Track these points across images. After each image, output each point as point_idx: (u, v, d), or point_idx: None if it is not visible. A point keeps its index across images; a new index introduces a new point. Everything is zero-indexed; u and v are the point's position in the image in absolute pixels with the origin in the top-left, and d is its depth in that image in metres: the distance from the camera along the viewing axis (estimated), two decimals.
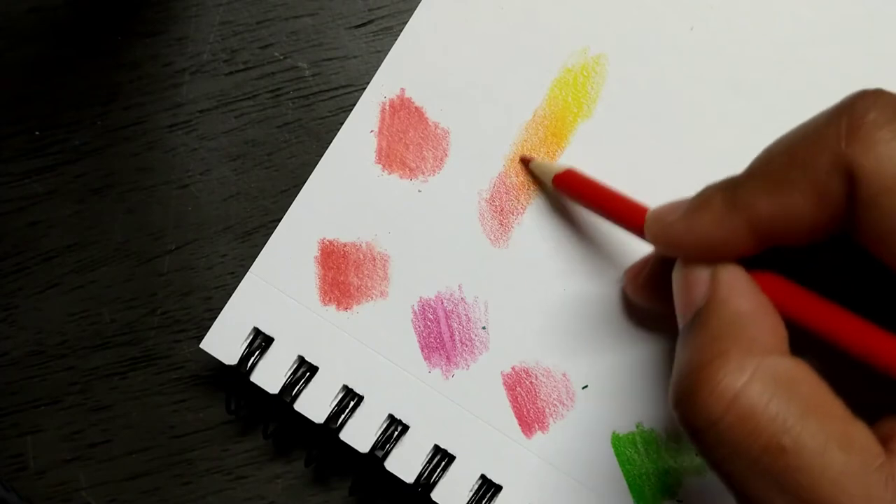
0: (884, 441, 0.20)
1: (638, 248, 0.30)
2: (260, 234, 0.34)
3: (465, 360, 0.32)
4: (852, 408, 0.21)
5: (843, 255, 0.24)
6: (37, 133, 0.35)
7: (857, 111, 0.20)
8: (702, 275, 0.23)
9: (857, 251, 0.22)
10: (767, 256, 0.23)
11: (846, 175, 0.20)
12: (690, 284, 0.23)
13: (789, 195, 0.21)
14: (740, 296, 0.22)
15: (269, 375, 0.32)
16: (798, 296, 0.23)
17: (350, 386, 0.32)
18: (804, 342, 0.22)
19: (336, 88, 0.34)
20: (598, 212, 0.29)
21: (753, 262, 0.23)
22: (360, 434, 0.32)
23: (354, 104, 0.33)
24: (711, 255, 0.23)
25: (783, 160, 0.21)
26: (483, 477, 0.31)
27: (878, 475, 0.20)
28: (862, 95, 0.21)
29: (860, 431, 0.20)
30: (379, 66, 0.33)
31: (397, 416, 0.32)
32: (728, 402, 0.20)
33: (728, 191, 0.22)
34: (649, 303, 0.29)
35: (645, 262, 0.29)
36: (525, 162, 0.31)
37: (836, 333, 0.22)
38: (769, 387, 0.20)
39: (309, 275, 0.32)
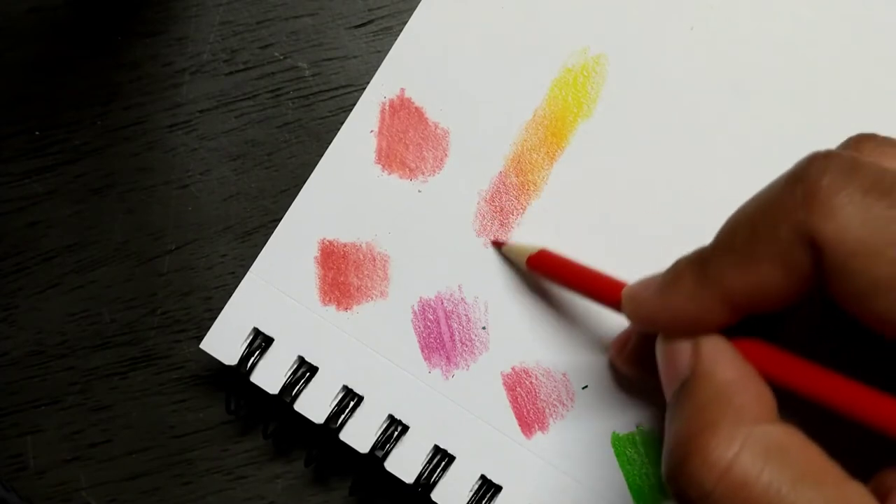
0: (882, 498, 0.20)
1: (637, 251, 0.30)
2: (260, 234, 0.34)
3: (465, 360, 0.32)
4: (846, 466, 0.21)
5: (820, 311, 0.24)
6: (37, 133, 0.35)
7: (810, 177, 0.20)
8: (684, 348, 0.23)
9: (835, 311, 0.22)
10: (749, 323, 0.23)
11: (809, 244, 0.20)
12: (673, 358, 0.23)
13: (757, 268, 0.21)
14: (724, 366, 0.22)
15: (269, 375, 0.32)
16: (781, 360, 0.23)
17: (350, 386, 0.32)
18: (792, 404, 0.22)
19: (336, 88, 0.34)
20: (574, 291, 0.29)
21: (735, 329, 0.23)
22: (360, 434, 0.32)
23: (354, 104, 0.33)
24: (689, 330, 0.23)
25: (746, 233, 0.21)
26: (483, 477, 0.31)
27: None
28: (812, 160, 0.21)
29: (856, 492, 0.20)
30: (379, 66, 0.33)
31: (397, 417, 0.32)
32: (720, 473, 0.20)
33: (698, 266, 0.23)
34: (638, 374, 0.29)
35: (628, 335, 0.29)
36: (497, 246, 0.31)
37: (823, 394, 0.22)
38: (760, 455, 0.20)
39: (309, 275, 0.32)
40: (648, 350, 0.25)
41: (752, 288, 0.21)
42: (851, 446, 0.21)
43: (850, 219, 0.20)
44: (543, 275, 0.30)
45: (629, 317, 0.25)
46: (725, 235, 0.22)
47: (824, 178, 0.20)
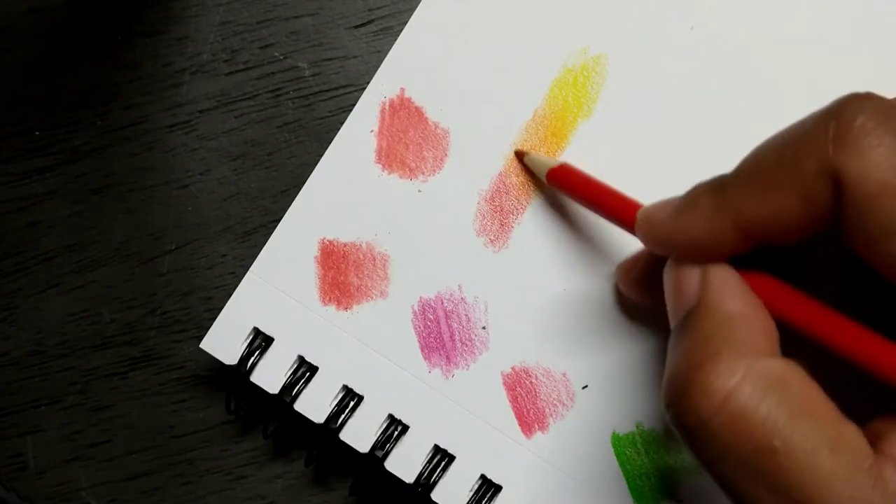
0: (873, 441, 0.21)
1: (635, 246, 0.30)
2: (260, 234, 0.34)
3: (465, 360, 0.32)
4: (843, 408, 0.21)
5: (834, 253, 0.24)
6: (37, 133, 0.35)
7: (845, 116, 0.20)
8: (692, 275, 0.23)
9: (848, 254, 0.22)
10: (758, 255, 0.23)
11: (833, 180, 0.20)
12: (681, 285, 0.23)
13: (776, 198, 0.21)
14: (731, 297, 0.22)
15: (269, 375, 0.32)
16: (789, 296, 0.23)
17: (350, 386, 0.32)
18: (795, 342, 0.22)
19: (336, 88, 0.34)
20: (590, 207, 0.29)
21: (744, 260, 0.23)
22: (360, 434, 0.32)
23: (354, 104, 0.33)
24: (701, 255, 0.23)
25: (771, 162, 0.21)
26: (483, 477, 0.31)
27: (866, 476, 0.20)
28: (851, 99, 0.21)
29: (850, 432, 0.20)
30: (379, 66, 0.33)
31: (397, 416, 0.32)
32: (719, 403, 0.20)
33: (716, 191, 0.23)
34: (641, 298, 0.29)
35: (637, 258, 0.29)
36: (519, 156, 0.31)
37: (826, 335, 0.22)
38: (760, 388, 0.20)
39: (309, 275, 0.32)
40: (654, 276, 0.25)
41: (769, 216, 0.21)
42: (849, 390, 0.21)
43: (878, 160, 0.20)
44: (562, 189, 0.30)
45: (642, 237, 0.25)
46: (749, 164, 0.22)
47: (859, 117, 0.20)
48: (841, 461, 0.20)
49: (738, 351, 0.21)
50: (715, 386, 0.20)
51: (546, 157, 0.31)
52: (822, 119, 0.21)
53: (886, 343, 0.21)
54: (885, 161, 0.20)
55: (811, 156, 0.20)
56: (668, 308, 0.24)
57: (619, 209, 0.27)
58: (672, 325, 0.23)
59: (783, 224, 0.21)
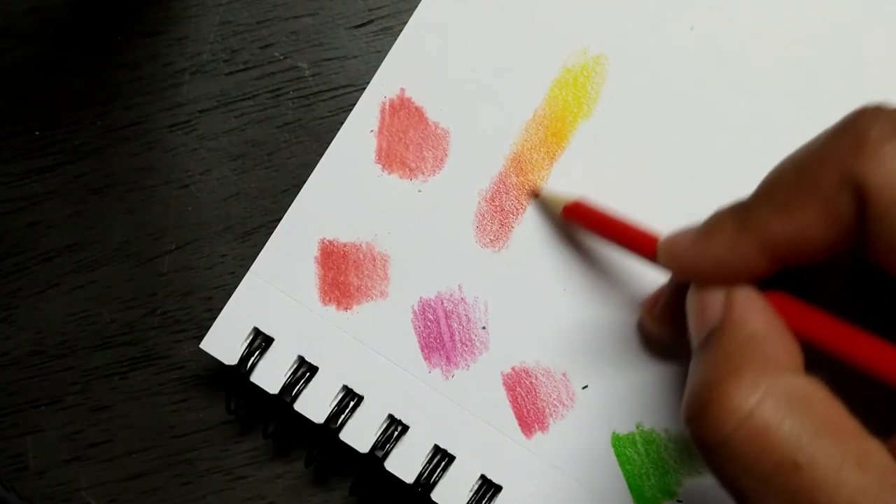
0: None
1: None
2: (260, 234, 0.34)
3: (465, 360, 0.32)
4: (866, 424, 0.21)
5: (855, 274, 0.24)
6: (37, 133, 0.35)
7: (860, 127, 0.20)
8: (716, 297, 0.23)
9: (867, 270, 0.22)
10: (780, 277, 0.23)
11: (855, 191, 0.20)
12: (705, 306, 0.23)
13: (800, 215, 0.21)
14: (754, 316, 0.22)
15: (269, 375, 0.32)
16: (811, 315, 0.23)
17: (350, 386, 0.32)
18: (818, 361, 0.22)
19: (336, 88, 0.34)
20: (609, 241, 0.29)
21: (767, 283, 0.23)
22: (360, 434, 0.32)
23: (354, 104, 0.33)
24: (725, 279, 0.23)
25: (791, 180, 0.21)
26: (483, 477, 0.31)
27: (893, 492, 0.19)
28: (863, 111, 0.21)
29: (875, 449, 0.20)
30: (379, 66, 0.33)
31: (397, 416, 0.32)
32: (741, 419, 0.20)
33: (739, 214, 0.23)
34: (667, 334, 0.29)
35: (659, 294, 0.29)
36: (534, 194, 0.31)
37: (849, 351, 0.22)
38: (783, 404, 0.20)
39: (309, 275, 0.32)
40: (678, 309, 0.25)
41: (794, 235, 0.21)
42: (873, 405, 0.21)
43: None
44: (579, 224, 0.30)
45: (666, 265, 0.25)
46: (769, 184, 0.22)
47: (874, 128, 0.20)
48: (867, 478, 0.19)
49: (761, 368, 0.21)
50: (737, 402, 0.20)
51: (559, 194, 0.31)
52: (837, 132, 0.21)
53: None
54: None
55: (831, 169, 0.21)
56: (691, 330, 0.24)
57: (640, 241, 0.27)
58: (694, 346, 0.23)
59: (809, 241, 0.21)
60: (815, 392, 0.21)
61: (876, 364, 0.21)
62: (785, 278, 0.23)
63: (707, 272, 0.23)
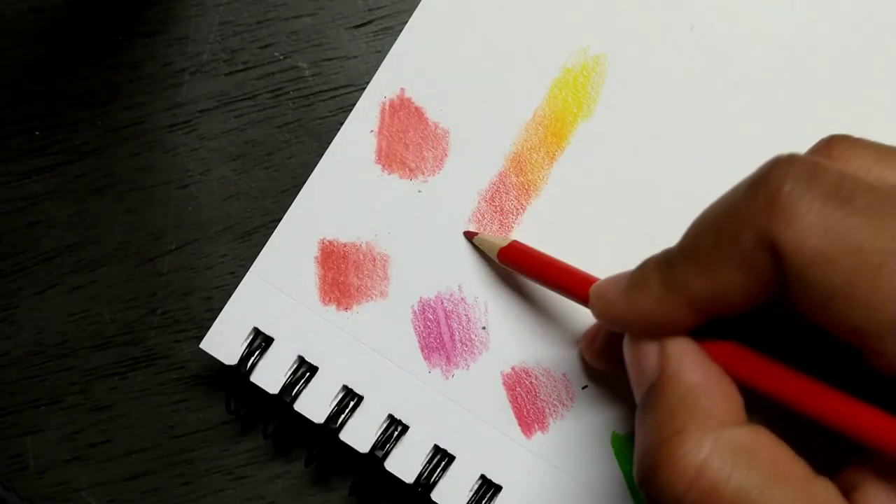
0: (847, 493, 0.21)
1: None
2: (260, 234, 0.34)
3: (465, 360, 0.32)
4: (814, 462, 0.21)
5: (787, 312, 0.24)
6: (37, 133, 0.35)
7: (772, 183, 0.20)
8: (651, 349, 0.23)
9: (797, 312, 0.22)
10: (715, 323, 0.23)
11: (771, 251, 0.20)
12: (640, 360, 0.23)
13: (720, 273, 0.21)
14: (690, 368, 0.22)
15: (269, 375, 0.32)
16: (748, 360, 0.23)
17: (350, 386, 0.32)
18: (759, 401, 0.22)
19: (336, 88, 0.34)
20: (544, 284, 0.29)
21: (702, 329, 0.23)
22: (360, 434, 0.32)
23: (354, 104, 0.33)
24: (655, 331, 0.23)
25: (709, 238, 0.22)
26: (483, 477, 0.31)
27: None
28: (775, 164, 0.21)
29: (823, 489, 0.20)
30: (379, 66, 0.33)
31: (397, 416, 0.32)
32: (691, 479, 0.20)
33: (663, 269, 0.23)
34: (608, 368, 0.29)
35: (597, 329, 0.29)
36: (469, 236, 0.31)
37: (789, 396, 0.22)
38: (729, 459, 0.20)
39: (309, 275, 0.32)
40: (617, 344, 0.25)
41: (716, 292, 0.21)
42: (819, 443, 0.21)
43: (810, 227, 0.20)
44: (514, 267, 0.30)
45: (597, 316, 0.25)
46: (690, 240, 0.22)
47: (786, 184, 0.20)
48: None
49: (704, 423, 0.21)
50: (684, 462, 0.20)
51: (493, 237, 0.31)
52: (750, 188, 0.21)
53: (848, 400, 0.21)
54: (816, 227, 0.20)
55: (746, 228, 0.20)
56: (632, 384, 0.24)
57: (572, 286, 0.27)
58: (637, 400, 0.24)
59: (731, 298, 0.21)
60: (760, 441, 0.21)
61: (817, 408, 0.22)
62: (722, 324, 0.23)
63: (637, 325, 0.23)
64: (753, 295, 0.21)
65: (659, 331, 0.23)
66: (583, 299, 0.26)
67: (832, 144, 0.23)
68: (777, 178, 0.20)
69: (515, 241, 0.30)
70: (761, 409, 0.22)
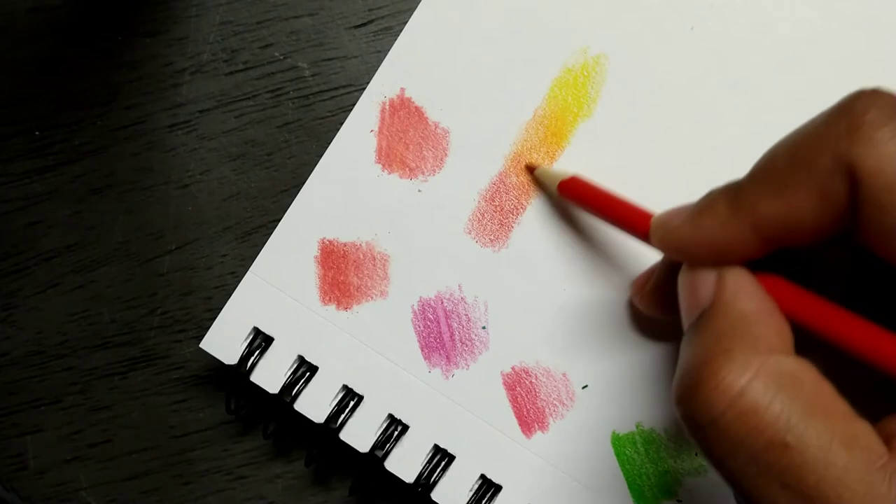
0: (886, 440, 0.21)
1: (638, 250, 0.30)
2: (260, 234, 0.34)
3: (465, 359, 0.32)
4: (856, 407, 0.21)
5: (847, 258, 0.24)
6: (37, 133, 0.35)
7: (855, 111, 0.20)
8: (707, 277, 0.23)
9: (860, 253, 0.22)
10: (773, 260, 0.23)
11: (848, 175, 0.20)
12: (696, 286, 0.23)
13: (792, 197, 0.21)
14: (746, 297, 0.22)
15: (269, 375, 0.32)
16: (802, 298, 0.23)
17: (350, 386, 0.32)
18: (809, 343, 0.22)
19: (336, 88, 0.34)
20: (603, 218, 0.29)
21: (759, 265, 0.23)
22: (360, 434, 0.32)
23: (354, 104, 0.33)
24: (717, 258, 0.23)
25: (785, 162, 0.21)
26: (483, 477, 0.31)
27: (881, 474, 0.20)
28: (859, 95, 0.21)
29: (864, 430, 0.20)
30: (379, 66, 0.33)
31: (397, 416, 0.32)
32: (731, 399, 0.20)
33: (731, 194, 0.23)
34: (656, 312, 0.29)
35: (650, 273, 0.29)
36: (530, 169, 0.31)
37: (840, 335, 0.22)
38: (773, 385, 0.20)
39: (309, 275, 0.32)
40: (669, 288, 0.25)
41: (786, 216, 0.21)
42: (862, 389, 0.21)
43: (891, 154, 0.20)
44: (573, 201, 0.30)
45: (658, 244, 0.25)
46: (763, 164, 0.22)
47: (869, 112, 0.20)
48: (855, 458, 0.20)
49: (752, 348, 0.21)
50: (727, 381, 0.20)
51: (556, 170, 0.31)
52: (833, 116, 0.21)
53: None
54: None
55: (825, 152, 0.21)
56: (682, 311, 0.24)
57: (633, 218, 0.27)
58: (685, 327, 0.23)
59: (801, 223, 0.21)
60: (806, 373, 0.21)
61: (866, 348, 0.21)
62: (778, 262, 0.23)
63: (699, 252, 0.23)
64: (823, 222, 0.21)
65: (720, 258, 0.23)
66: (643, 232, 0.26)
67: None
68: (861, 107, 0.20)
69: (577, 176, 0.30)
70: (809, 352, 0.22)
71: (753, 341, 0.21)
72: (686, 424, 0.21)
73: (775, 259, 0.23)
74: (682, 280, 0.24)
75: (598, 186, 0.29)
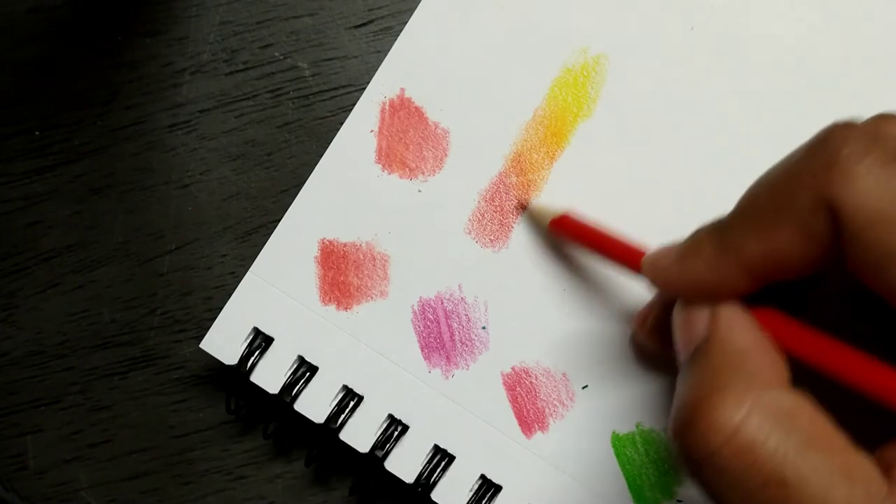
0: (885, 469, 0.20)
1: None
2: (260, 234, 0.34)
3: (465, 360, 0.32)
4: (853, 435, 0.21)
5: (838, 285, 0.25)
6: (37, 133, 0.35)
7: (832, 146, 0.20)
8: (701, 313, 0.23)
9: (850, 280, 0.22)
10: (772, 294, 0.23)
11: (829, 211, 0.20)
12: (690, 323, 0.23)
13: (776, 235, 0.21)
14: (740, 332, 0.22)
15: (269, 375, 0.32)
16: (796, 330, 0.23)
17: (350, 386, 0.32)
18: (804, 375, 0.22)
19: (336, 88, 0.34)
20: (595, 254, 0.29)
21: (758, 299, 0.23)
22: (360, 434, 0.32)
23: (354, 104, 0.33)
24: (707, 297, 0.23)
25: (766, 201, 0.22)
26: (483, 477, 0.31)
27: None
28: (834, 129, 0.21)
29: (862, 462, 0.20)
30: (379, 66, 0.33)
31: (397, 416, 0.32)
32: (727, 436, 0.20)
33: (717, 234, 0.23)
34: (659, 347, 0.29)
35: (650, 308, 0.29)
36: (522, 207, 0.32)
37: (834, 366, 0.22)
38: (769, 420, 0.20)
39: (309, 275, 0.32)
40: (669, 322, 0.25)
41: (771, 255, 0.21)
42: (860, 418, 0.21)
43: (869, 188, 0.20)
44: (566, 237, 0.30)
45: (650, 283, 0.25)
46: (745, 203, 0.22)
47: (846, 146, 0.20)
48: (855, 493, 0.19)
49: (747, 383, 0.21)
50: (723, 418, 0.20)
51: (547, 206, 0.31)
52: (809, 151, 0.21)
53: (893, 371, 0.21)
54: (875, 188, 0.20)
55: (804, 189, 0.21)
56: (677, 347, 0.24)
57: (624, 256, 0.28)
58: (680, 362, 0.23)
59: (787, 260, 0.21)
60: (802, 406, 0.21)
61: (862, 379, 0.22)
62: (771, 294, 0.23)
63: (690, 290, 0.24)
64: (808, 258, 0.21)
65: (711, 296, 0.23)
66: (635, 269, 0.26)
67: (881, 119, 0.23)
68: (837, 141, 0.20)
69: (568, 213, 0.30)
70: (804, 384, 0.22)
71: (748, 377, 0.21)
72: (683, 460, 0.21)
73: (770, 290, 0.23)
74: (677, 316, 0.24)
75: (589, 224, 0.29)
